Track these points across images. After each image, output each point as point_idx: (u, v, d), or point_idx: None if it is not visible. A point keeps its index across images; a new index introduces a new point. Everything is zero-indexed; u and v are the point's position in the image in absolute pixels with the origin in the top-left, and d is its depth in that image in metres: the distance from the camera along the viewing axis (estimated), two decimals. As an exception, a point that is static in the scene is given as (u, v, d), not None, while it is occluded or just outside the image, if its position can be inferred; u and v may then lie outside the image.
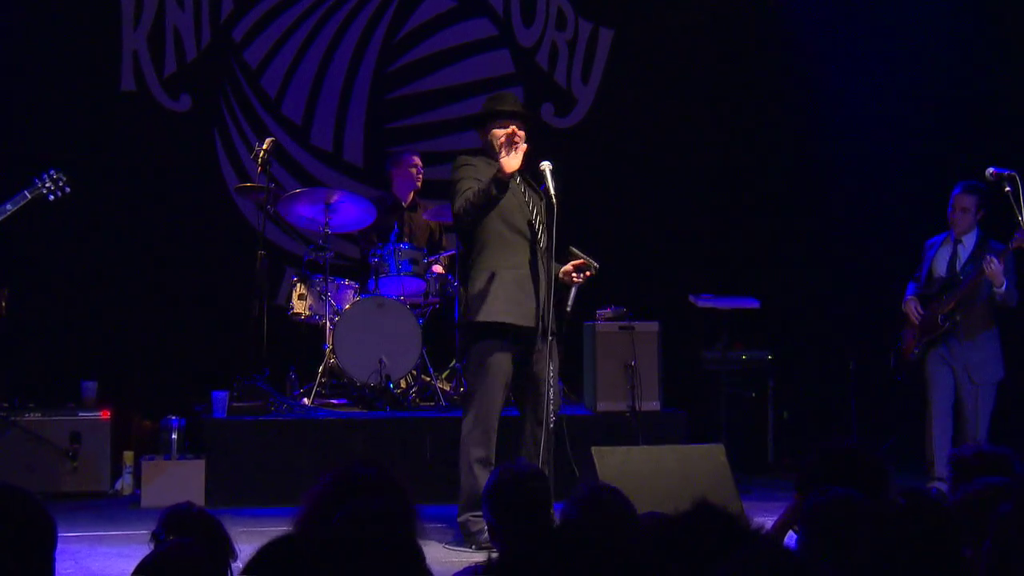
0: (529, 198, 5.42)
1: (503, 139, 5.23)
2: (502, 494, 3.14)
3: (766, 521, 3.45)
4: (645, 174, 9.08)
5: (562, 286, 5.37)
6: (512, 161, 5.14)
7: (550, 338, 5.25)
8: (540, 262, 5.28)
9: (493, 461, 5.34)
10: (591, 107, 9.10)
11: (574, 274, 5.34)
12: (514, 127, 5.32)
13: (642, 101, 9.09)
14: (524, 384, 5.39)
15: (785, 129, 8.97)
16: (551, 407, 5.23)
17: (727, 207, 9.16)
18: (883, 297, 7.41)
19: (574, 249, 5.37)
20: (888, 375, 6.97)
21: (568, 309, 5.31)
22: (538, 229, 5.36)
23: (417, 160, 8.03)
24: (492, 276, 5.31)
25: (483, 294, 5.31)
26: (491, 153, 5.42)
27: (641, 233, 8.83)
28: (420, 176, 8.02)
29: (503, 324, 5.27)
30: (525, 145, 5.27)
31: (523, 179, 5.47)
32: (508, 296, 5.27)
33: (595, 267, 5.33)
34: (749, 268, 8.87)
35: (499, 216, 5.33)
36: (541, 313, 5.23)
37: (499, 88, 8.76)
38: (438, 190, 8.50)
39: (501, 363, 5.31)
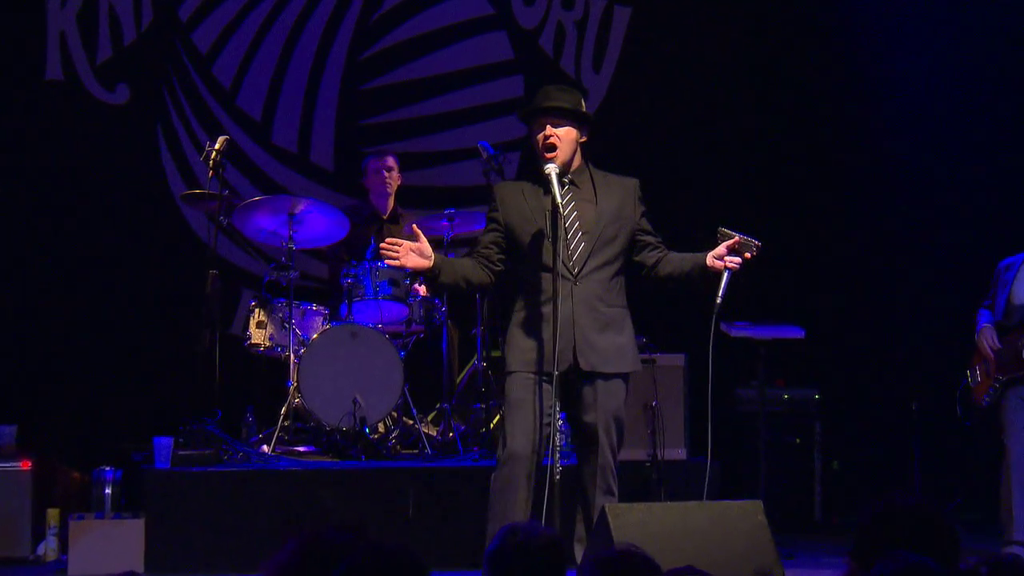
0: (573, 213, 5.41)
1: (539, 146, 5.34)
2: (504, 564, 3.11)
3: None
4: (667, 178, 9.07)
5: (711, 274, 5.35)
6: (408, 261, 5.18)
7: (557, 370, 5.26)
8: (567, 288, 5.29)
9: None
10: (604, 100, 9.12)
11: (727, 258, 5.33)
12: (548, 126, 5.34)
13: (665, 93, 9.12)
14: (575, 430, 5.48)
15: (834, 126, 9.00)
16: (556, 449, 5.24)
17: (765, 218, 9.16)
18: (951, 326, 7.42)
19: (725, 229, 5.35)
20: (957, 418, 6.97)
21: (719, 300, 5.29)
22: (573, 251, 5.34)
23: (390, 162, 8.03)
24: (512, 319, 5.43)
25: (506, 347, 5.41)
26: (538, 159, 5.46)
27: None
28: (391, 182, 8.02)
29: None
30: (553, 157, 5.32)
31: (571, 185, 5.45)
32: (522, 344, 5.35)
33: (756, 245, 5.32)
34: (791, 290, 8.88)
35: (529, 247, 5.37)
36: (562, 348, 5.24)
37: (495, 77, 8.80)
38: (423, 198, 8.53)
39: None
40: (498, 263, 5.40)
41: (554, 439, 5.24)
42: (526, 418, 5.27)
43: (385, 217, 8.06)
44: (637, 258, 5.47)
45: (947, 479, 7.78)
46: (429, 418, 7.82)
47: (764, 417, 7.64)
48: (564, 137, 5.38)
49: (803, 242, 9.05)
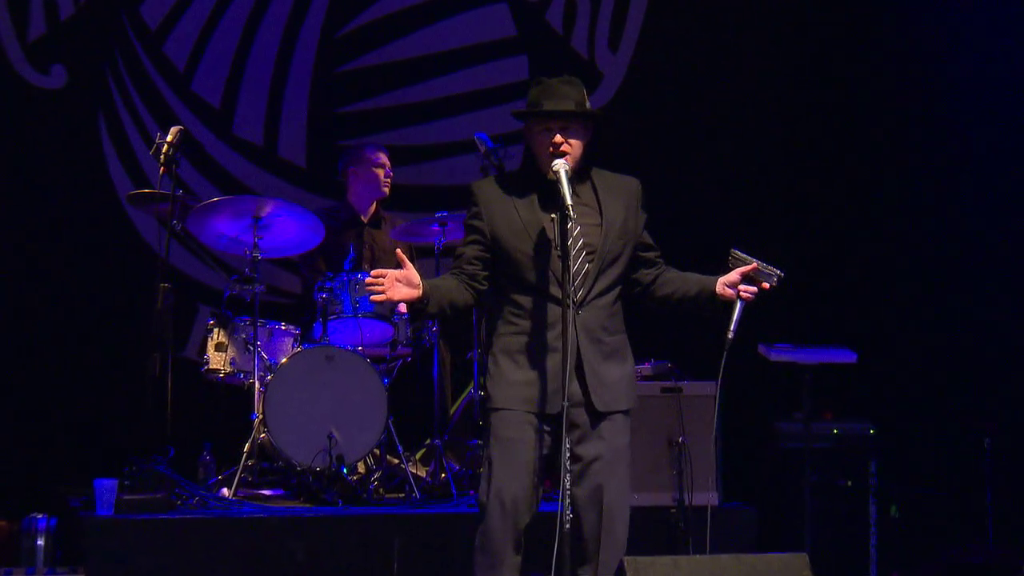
0: (576, 228, 5.38)
1: (544, 150, 5.28)
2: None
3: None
4: (694, 176, 9.11)
5: (720, 303, 5.34)
6: (396, 294, 5.17)
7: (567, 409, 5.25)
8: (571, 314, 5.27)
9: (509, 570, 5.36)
10: (622, 84, 9.14)
11: (741, 287, 5.32)
12: (558, 134, 5.30)
13: (692, 77, 9.14)
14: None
15: (890, 120, 9.00)
16: (569, 500, 5.23)
17: (807, 223, 9.18)
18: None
19: (737, 252, 5.33)
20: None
21: (730, 335, 5.28)
22: (575, 275, 5.32)
23: (384, 158, 8.05)
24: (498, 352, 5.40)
25: (488, 377, 5.40)
26: (538, 160, 5.40)
27: (690, 258, 8.79)
28: (388, 181, 8.04)
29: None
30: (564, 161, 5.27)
31: (574, 198, 5.40)
32: (512, 377, 5.33)
33: (778, 275, 5.31)
34: (841, 308, 8.87)
35: (521, 265, 5.35)
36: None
37: (495, 57, 8.81)
38: (409, 198, 8.54)
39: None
40: (483, 281, 5.34)
41: (564, 481, 5.24)
42: (518, 461, 5.26)
43: (366, 220, 8.07)
44: (633, 275, 5.45)
45: (1024, 528, 7.79)
46: (417, 456, 7.82)
47: (810, 455, 7.62)
48: (575, 145, 5.32)
49: (855, 251, 9.05)
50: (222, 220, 7.48)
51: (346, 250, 7.65)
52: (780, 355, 7.56)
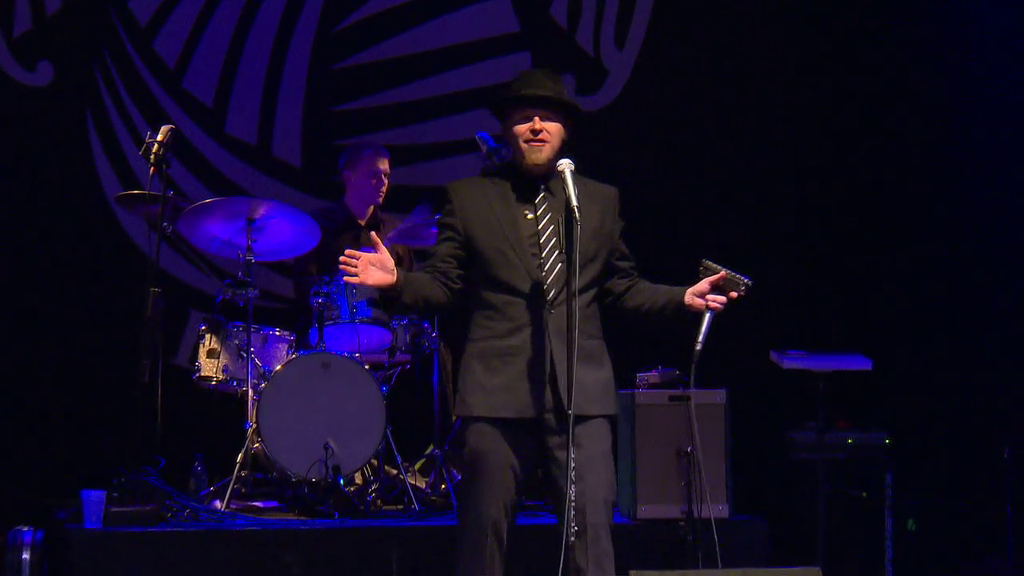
0: (549, 227, 5.43)
1: (523, 138, 5.34)
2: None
3: None
4: (704, 177, 9.11)
5: (689, 314, 5.39)
6: (369, 277, 5.19)
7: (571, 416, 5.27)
8: (549, 318, 5.32)
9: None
10: (628, 81, 9.15)
11: (710, 296, 5.37)
12: (537, 118, 5.37)
13: (701, 75, 9.15)
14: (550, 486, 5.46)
15: (915, 117, 8.99)
16: (573, 513, 5.24)
17: (823, 226, 9.18)
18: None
19: (708, 262, 5.39)
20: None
21: (698, 346, 5.33)
22: (548, 273, 5.37)
23: (381, 164, 8.03)
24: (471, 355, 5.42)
25: (462, 381, 5.43)
26: (514, 156, 5.47)
27: (699, 262, 8.82)
28: (383, 191, 8.03)
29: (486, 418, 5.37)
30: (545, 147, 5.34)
31: (547, 192, 5.46)
32: (486, 383, 5.36)
33: (746, 283, 5.37)
34: (856, 313, 8.87)
35: (491, 267, 5.38)
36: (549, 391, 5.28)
37: (497, 53, 8.80)
38: (410, 199, 8.53)
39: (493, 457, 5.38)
40: (456, 280, 5.39)
41: (569, 492, 5.25)
42: (497, 470, 5.29)
43: (363, 223, 8.06)
44: (606, 284, 5.49)
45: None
46: (417, 467, 7.82)
47: (823, 466, 7.63)
48: (554, 133, 5.40)
49: (870, 254, 9.04)
50: (214, 222, 7.47)
51: (342, 253, 7.63)
52: (793, 362, 7.56)
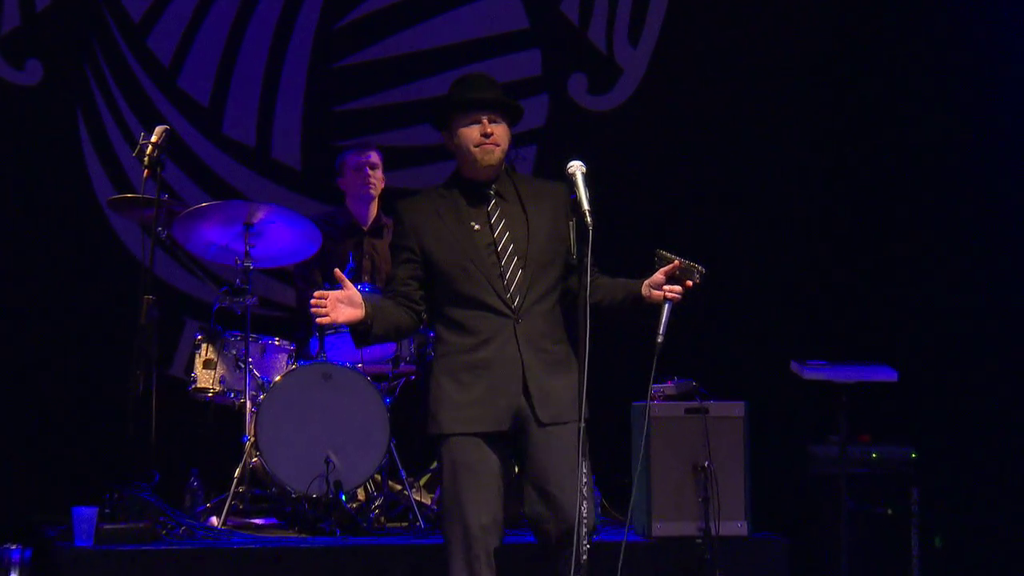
0: (505, 234, 5.49)
1: (473, 142, 5.47)
2: None
3: None
4: (723, 180, 9.10)
5: (647, 306, 5.43)
6: (340, 315, 5.27)
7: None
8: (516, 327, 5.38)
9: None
10: (642, 81, 9.15)
11: (666, 287, 5.41)
12: (485, 121, 5.47)
13: (718, 73, 9.15)
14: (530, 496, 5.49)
15: (940, 118, 8.98)
16: (582, 521, 5.25)
17: (847, 231, 9.17)
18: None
19: (663, 252, 5.44)
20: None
21: (660, 339, 5.36)
22: (510, 281, 5.43)
23: (365, 157, 8.03)
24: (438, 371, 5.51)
25: (432, 399, 5.52)
26: (461, 164, 5.56)
27: (717, 269, 8.80)
28: (375, 182, 8.03)
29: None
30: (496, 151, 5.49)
31: (498, 197, 5.54)
32: (459, 398, 5.41)
33: (700, 271, 5.42)
34: (881, 322, 8.86)
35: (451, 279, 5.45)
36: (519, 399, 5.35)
37: (506, 51, 8.81)
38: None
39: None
40: (420, 301, 5.53)
41: (580, 507, 5.25)
42: (480, 487, 5.39)
43: (366, 229, 8.06)
44: (565, 283, 5.55)
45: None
46: (422, 482, 7.81)
47: (846, 481, 7.62)
48: (502, 135, 5.55)
49: (895, 261, 9.03)
50: (211, 227, 7.48)
51: (345, 260, 7.64)
52: (814, 373, 7.55)
